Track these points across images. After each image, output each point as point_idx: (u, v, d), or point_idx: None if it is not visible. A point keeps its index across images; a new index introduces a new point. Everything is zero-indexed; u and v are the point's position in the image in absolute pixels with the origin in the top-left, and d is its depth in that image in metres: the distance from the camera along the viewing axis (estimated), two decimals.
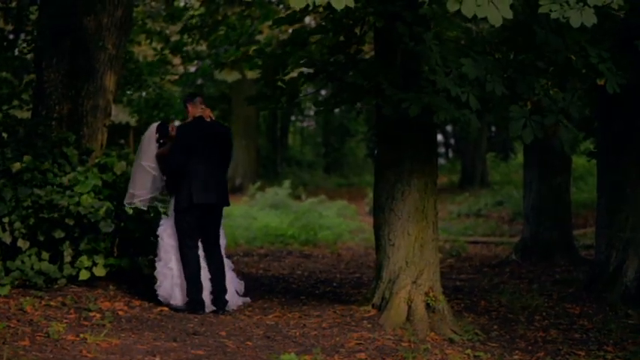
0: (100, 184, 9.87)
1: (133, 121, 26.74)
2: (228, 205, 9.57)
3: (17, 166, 9.71)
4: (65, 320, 8.18)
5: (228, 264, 9.59)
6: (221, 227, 9.58)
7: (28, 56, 12.39)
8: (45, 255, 9.52)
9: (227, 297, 9.33)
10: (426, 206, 9.11)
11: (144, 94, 15.26)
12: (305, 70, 9.49)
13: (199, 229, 9.38)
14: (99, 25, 10.89)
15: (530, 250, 14.43)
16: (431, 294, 9.00)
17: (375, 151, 9.52)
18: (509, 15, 7.33)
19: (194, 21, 16.71)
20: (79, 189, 9.71)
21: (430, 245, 9.13)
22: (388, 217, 9.11)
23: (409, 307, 8.92)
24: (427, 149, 9.16)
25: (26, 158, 9.77)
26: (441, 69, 8.26)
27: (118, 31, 11.05)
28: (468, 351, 8.19)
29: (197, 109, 9.45)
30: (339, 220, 20.78)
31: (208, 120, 9.46)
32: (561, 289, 11.40)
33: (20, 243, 9.49)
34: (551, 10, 7.57)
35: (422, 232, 9.09)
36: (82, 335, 7.61)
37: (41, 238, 9.54)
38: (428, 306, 8.96)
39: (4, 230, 9.46)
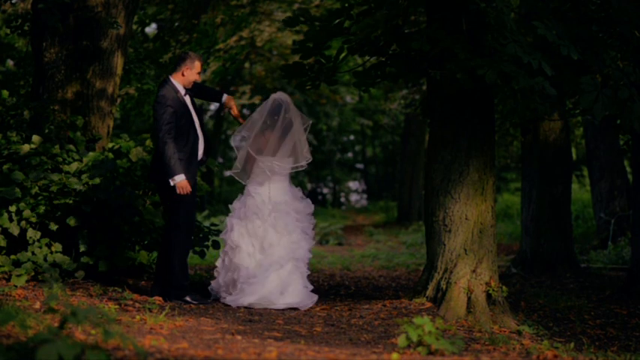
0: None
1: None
2: None
3: (26, 148, 8.68)
4: (106, 307, 7.11)
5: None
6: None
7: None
8: (57, 246, 8.49)
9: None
10: (485, 188, 8.35)
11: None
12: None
13: None
14: (105, 0, 9.84)
15: (530, 262, 13.71)
16: (493, 284, 8.23)
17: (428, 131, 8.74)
18: None
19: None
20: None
21: (489, 231, 8.35)
22: (443, 201, 8.32)
23: (469, 298, 8.14)
24: (485, 125, 8.42)
25: (35, 138, 8.75)
26: (511, 35, 7.62)
27: (126, 8, 10.00)
28: (545, 342, 7.44)
29: None
30: None
31: None
32: (598, 292, 10.76)
33: (30, 233, 8.45)
34: None
35: (481, 217, 8.31)
36: (138, 317, 6.59)
37: (53, 228, 8.53)
38: (488, 297, 8.19)
39: (10, 220, 8.41)
